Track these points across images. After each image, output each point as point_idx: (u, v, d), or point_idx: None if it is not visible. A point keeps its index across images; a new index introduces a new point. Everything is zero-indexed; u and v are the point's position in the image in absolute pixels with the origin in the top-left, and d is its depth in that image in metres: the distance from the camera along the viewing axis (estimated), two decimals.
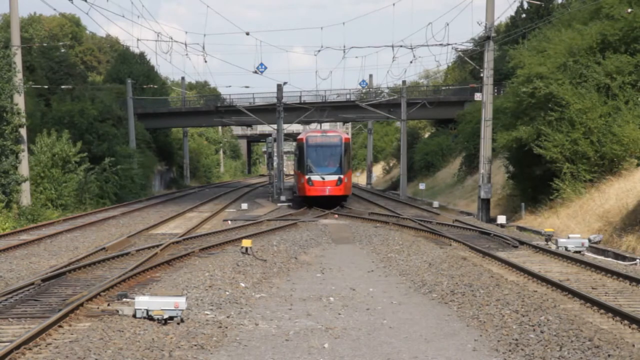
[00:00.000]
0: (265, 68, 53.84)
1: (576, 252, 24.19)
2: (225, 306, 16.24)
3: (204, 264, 21.16)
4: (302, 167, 43.02)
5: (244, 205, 44.21)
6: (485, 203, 40.05)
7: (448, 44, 43.12)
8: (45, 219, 36.65)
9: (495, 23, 42.02)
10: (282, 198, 50.06)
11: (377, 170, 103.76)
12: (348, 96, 74.84)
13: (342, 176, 42.09)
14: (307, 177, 42.05)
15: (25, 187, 37.53)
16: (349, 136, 44.96)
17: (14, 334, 13.09)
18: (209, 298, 16.73)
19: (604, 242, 27.12)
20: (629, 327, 13.72)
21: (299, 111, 65.66)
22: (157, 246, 24.13)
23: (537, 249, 24.68)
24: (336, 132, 45.16)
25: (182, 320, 14.24)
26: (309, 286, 19.48)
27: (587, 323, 13.84)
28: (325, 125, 78.76)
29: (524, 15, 67.64)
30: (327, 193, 41.98)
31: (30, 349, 11.96)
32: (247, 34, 47.05)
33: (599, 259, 23.51)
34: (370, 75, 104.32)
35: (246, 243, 23.38)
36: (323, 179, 41.88)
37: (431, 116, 78.19)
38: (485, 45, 39.92)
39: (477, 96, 41.51)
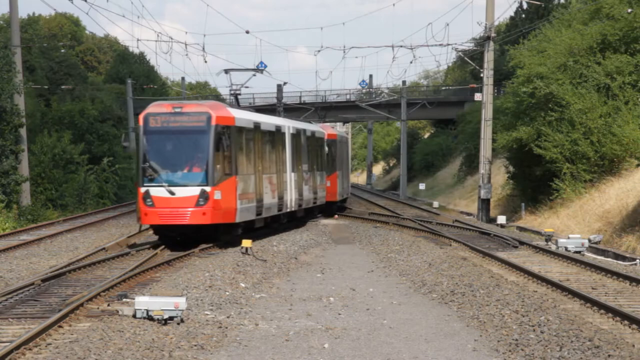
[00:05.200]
0: (265, 66, 53.88)
1: (576, 252, 24.17)
2: (225, 306, 16.24)
3: (204, 264, 21.15)
4: (137, 171, 25.23)
5: None
6: (485, 203, 40.07)
7: (448, 44, 42.82)
8: (45, 219, 36.63)
9: (496, 23, 42.02)
10: None
11: (377, 170, 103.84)
12: (348, 96, 74.92)
13: (208, 188, 23.64)
14: (143, 190, 23.92)
15: (25, 187, 37.53)
16: (233, 115, 25.29)
17: (14, 334, 13.08)
18: (209, 298, 16.72)
19: (604, 242, 27.12)
20: (629, 327, 13.72)
21: (299, 111, 65.70)
22: (157, 246, 24.12)
23: (537, 249, 24.67)
24: (203, 106, 24.96)
25: (182, 321, 14.23)
26: (309, 286, 19.48)
27: (587, 323, 13.84)
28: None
29: (523, 16, 67.63)
30: (185, 220, 23.69)
31: (30, 349, 11.96)
32: (247, 32, 47.20)
33: (599, 259, 23.51)
34: (370, 76, 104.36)
35: (246, 243, 23.35)
36: (172, 193, 23.63)
37: (431, 116, 78.32)
38: (485, 45, 39.95)
39: (477, 96, 41.52)
